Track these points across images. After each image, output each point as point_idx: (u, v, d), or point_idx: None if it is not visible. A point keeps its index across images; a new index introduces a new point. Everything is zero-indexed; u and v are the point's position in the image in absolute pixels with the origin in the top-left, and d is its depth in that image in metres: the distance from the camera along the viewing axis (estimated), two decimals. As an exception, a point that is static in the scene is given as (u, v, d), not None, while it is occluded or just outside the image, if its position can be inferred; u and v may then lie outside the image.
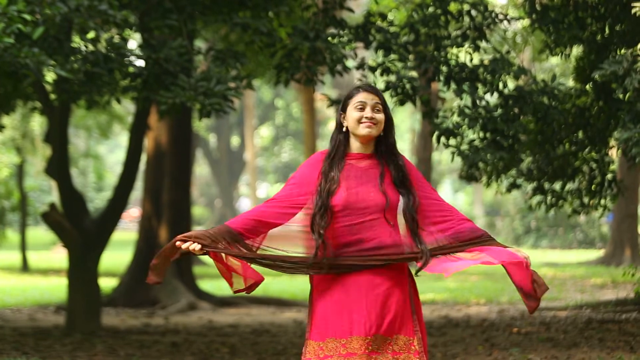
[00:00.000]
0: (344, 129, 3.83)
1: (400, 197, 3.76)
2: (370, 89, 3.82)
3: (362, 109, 3.79)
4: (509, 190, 9.97)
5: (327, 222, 3.70)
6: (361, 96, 3.80)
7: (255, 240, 3.77)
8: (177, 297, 13.50)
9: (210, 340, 9.81)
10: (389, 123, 3.84)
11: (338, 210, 3.71)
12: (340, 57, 8.54)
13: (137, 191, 24.18)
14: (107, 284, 13.90)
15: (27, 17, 6.78)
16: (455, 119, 8.86)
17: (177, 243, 3.71)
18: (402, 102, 8.87)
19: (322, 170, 3.78)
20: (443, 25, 9.00)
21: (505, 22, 9.29)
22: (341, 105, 3.87)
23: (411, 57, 8.97)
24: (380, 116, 3.79)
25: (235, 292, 3.86)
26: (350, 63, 9.32)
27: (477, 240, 3.79)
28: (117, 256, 19.64)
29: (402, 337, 3.70)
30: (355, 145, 3.83)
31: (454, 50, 9.13)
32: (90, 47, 7.82)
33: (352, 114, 3.79)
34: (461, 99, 9.12)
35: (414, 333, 3.72)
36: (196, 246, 3.69)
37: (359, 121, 3.78)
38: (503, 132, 8.70)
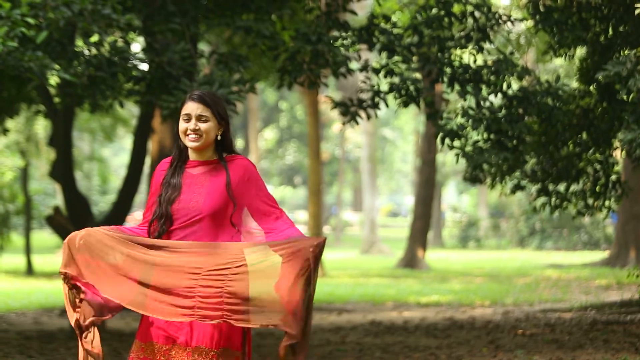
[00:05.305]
0: None
1: (227, 203, 3.68)
2: (197, 97, 3.73)
3: (188, 121, 3.73)
4: (513, 191, 9.95)
5: (164, 229, 3.70)
6: (187, 107, 3.74)
7: None
8: (181, 300, 13.49)
9: (214, 343, 9.80)
10: (224, 126, 3.74)
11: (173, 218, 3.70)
12: (343, 59, 8.53)
13: (142, 194, 24.19)
14: (111, 287, 13.87)
15: (31, 21, 6.79)
16: (459, 121, 8.85)
17: None
18: (406, 104, 8.86)
19: (164, 180, 3.76)
20: (447, 27, 8.99)
21: (508, 23, 9.28)
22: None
23: (415, 58, 8.96)
24: (206, 126, 3.70)
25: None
26: (354, 65, 9.31)
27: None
28: (121, 259, 19.61)
29: (230, 350, 3.61)
30: (191, 153, 3.78)
31: (458, 51, 9.12)
32: (94, 51, 7.83)
33: (180, 125, 3.75)
34: (465, 100, 9.11)
35: (242, 347, 3.64)
36: None
37: (185, 133, 3.74)
38: (507, 133, 8.69)
